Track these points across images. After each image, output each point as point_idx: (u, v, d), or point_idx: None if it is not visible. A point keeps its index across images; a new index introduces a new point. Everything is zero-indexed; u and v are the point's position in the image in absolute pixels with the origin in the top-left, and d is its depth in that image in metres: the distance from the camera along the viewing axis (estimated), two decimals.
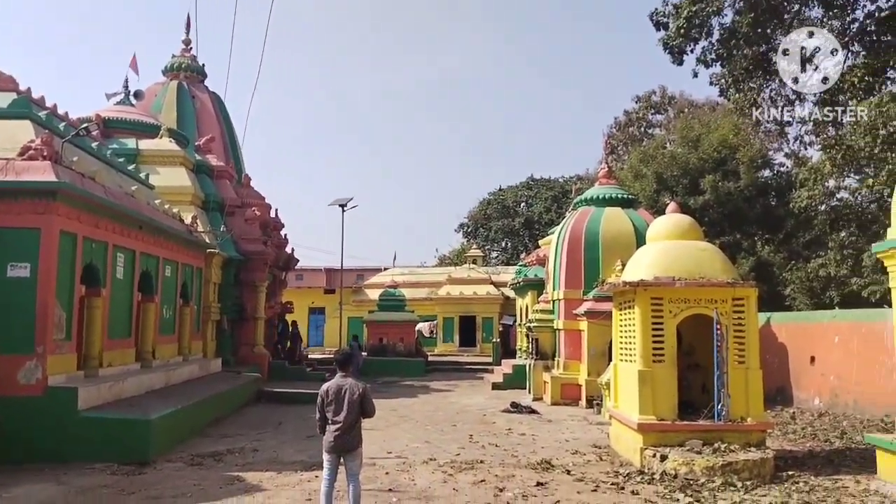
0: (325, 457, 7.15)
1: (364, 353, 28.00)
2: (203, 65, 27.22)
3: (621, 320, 11.38)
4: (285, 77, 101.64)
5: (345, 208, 29.13)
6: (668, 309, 10.18)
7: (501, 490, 8.51)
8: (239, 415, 15.39)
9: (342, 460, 7.16)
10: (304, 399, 17.68)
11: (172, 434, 11.25)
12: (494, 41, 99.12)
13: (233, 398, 15.81)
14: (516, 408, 16.42)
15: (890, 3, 16.64)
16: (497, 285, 35.64)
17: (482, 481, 9.00)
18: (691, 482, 8.78)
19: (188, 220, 18.02)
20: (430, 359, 29.56)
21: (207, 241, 18.51)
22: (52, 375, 10.31)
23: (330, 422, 7.10)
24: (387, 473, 9.49)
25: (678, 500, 8.10)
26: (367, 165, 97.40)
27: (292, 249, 25.11)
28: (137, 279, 13.78)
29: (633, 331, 10.44)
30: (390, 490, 8.54)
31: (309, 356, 29.65)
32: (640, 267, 10.73)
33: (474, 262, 39.28)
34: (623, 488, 8.68)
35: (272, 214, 23.63)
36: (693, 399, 10.92)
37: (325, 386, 7.28)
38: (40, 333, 10.19)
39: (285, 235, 24.20)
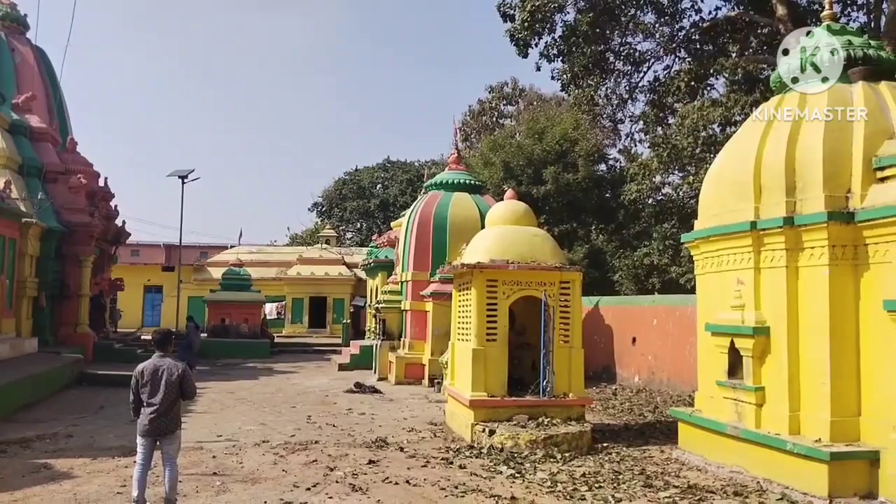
0: (140, 441, 6.75)
1: (204, 335, 26.79)
2: (25, 15, 24.45)
3: (460, 301, 11.70)
4: (122, 37, 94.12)
5: (185, 180, 27.50)
6: (501, 290, 10.59)
7: (332, 469, 8.48)
8: (56, 399, 14.17)
9: (158, 444, 6.80)
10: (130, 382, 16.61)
11: None
12: (350, 15, 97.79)
13: (48, 381, 14.50)
14: (359, 388, 16.45)
15: (711, 16, 18.31)
16: (350, 266, 35.39)
17: (314, 461, 8.92)
18: (515, 455, 9.25)
19: (1, 185, 16.23)
20: (277, 340, 28.83)
21: (23, 209, 16.76)
22: None
23: (145, 404, 6.74)
24: (214, 457, 9.14)
25: (501, 471, 8.49)
26: (213, 136, 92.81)
27: (123, 222, 23.35)
28: None
29: (470, 311, 10.77)
30: (215, 474, 8.24)
31: (141, 336, 27.82)
32: (478, 250, 11.08)
33: (327, 242, 38.72)
34: (452, 463, 8.95)
35: (101, 183, 21.77)
36: (523, 376, 11.48)
37: (140, 366, 6.88)
38: None
39: (115, 206, 22.40)
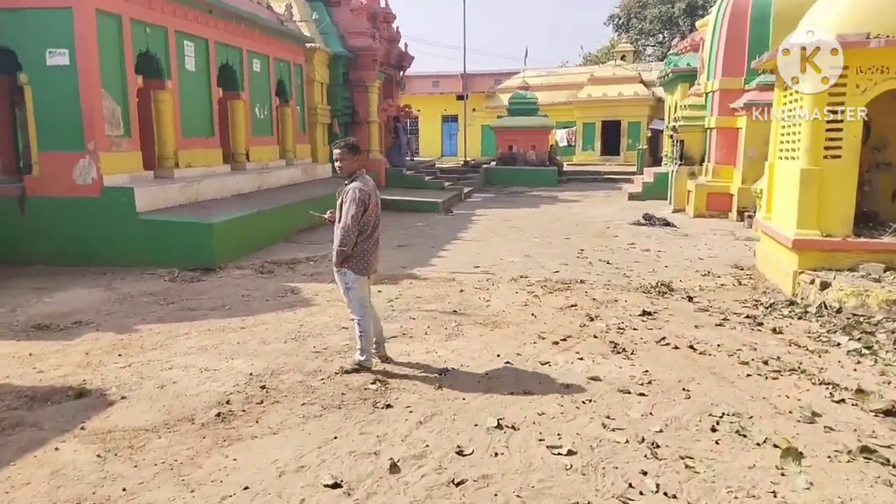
0: (364, 281, 5.52)
1: (492, 162, 26.25)
2: None
3: (784, 103, 8.41)
4: None
5: None
6: (854, 83, 7.14)
7: (592, 319, 6.65)
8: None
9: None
10: (414, 207, 16.51)
11: (244, 239, 10.35)
12: None
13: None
14: (648, 220, 14.13)
15: None
16: (648, 84, 31.40)
17: (572, 306, 7.17)
18: (862, 320, 6.39)
19: (282, 10, 16.25)
20: (566, 168, 27.17)
21: (306, 33, 16.74)
22: (111, 175, 9.49)
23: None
24: (461, 291, 7.93)
25: (838, 343, 5.83)
26: None
27: (405, 45, 22.72)
28: (215, 72, 12.46)
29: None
30: (455, 312, 6.99)
31: (436, 165, 28.27)
32: (817, 24, 7.55)
33: (622, 58, 34.73)
34: (761, 324, 6.48)
35: (381, 4, 21.12)
36: (878, 210, 8.13)
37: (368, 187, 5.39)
38: (88, 128, 9.24)
39: (397, 28, 21.76)
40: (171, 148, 11.15)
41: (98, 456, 3.81)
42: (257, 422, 4.30)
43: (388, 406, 4.50)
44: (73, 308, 7.21)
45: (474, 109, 34.27)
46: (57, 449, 3.89)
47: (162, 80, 10.86)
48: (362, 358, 5.23)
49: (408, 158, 26.62)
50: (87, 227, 9.37)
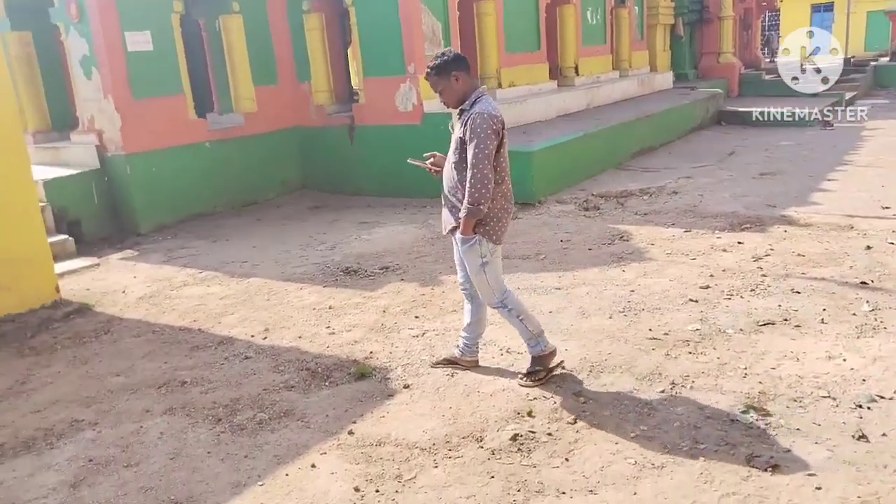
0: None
1: (884, 59, 20.56)
2: None
3: None
4: None
5: None
6: None
7: None
8: (684, 141, 12.27)
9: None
10: (779, 121, 13.38)
11: (568, 168, 8.98)
12: None
13: (675, 121, 12.52)
14: None
15: None
16: None
17: None
18: None
19: None
20: None
21: None
22: (431, 100, 8.80)
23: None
24: (867, 248, 5.51)
25: None
26: None
27: None
28: None
29: None
30: (864, 283, 4.73)
31: (804, 66, 23.20)
32: None
33: None
34: None
35: None
36: None
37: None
38: (409, 49, 8.62)
39: None
40: (494, 66, 10.16)
41: (356, 490, 2.86)
42: (566, 460, 2.95)
43: (774, 467, 2.76)
44: (385, 248, 6.69)
45: None
46: (313, 466, 3.04)
47: None
48: (539, 347, 3.62)
49: (767, 60, 22.44)
50: (408, 157, 8.92)
